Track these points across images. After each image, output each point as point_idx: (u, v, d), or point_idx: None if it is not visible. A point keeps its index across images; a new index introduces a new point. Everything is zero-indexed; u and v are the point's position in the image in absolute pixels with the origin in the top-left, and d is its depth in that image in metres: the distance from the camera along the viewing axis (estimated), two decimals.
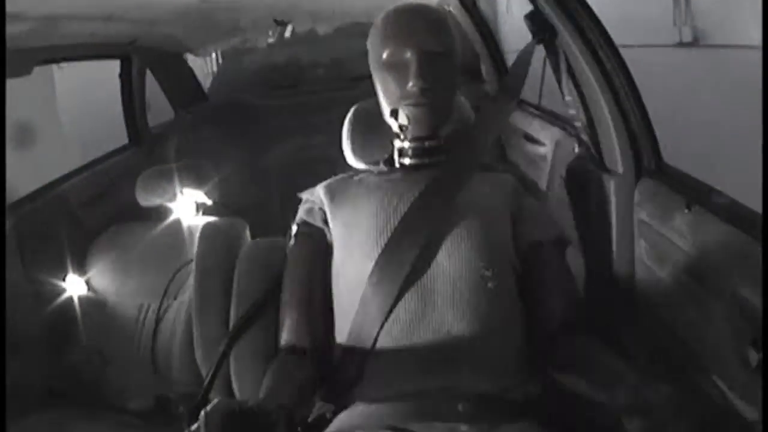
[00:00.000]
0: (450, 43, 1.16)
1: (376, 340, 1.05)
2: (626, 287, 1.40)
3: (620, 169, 1.39)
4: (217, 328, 1.43)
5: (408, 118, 1.11)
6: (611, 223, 1.43)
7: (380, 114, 1.21)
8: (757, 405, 0.89)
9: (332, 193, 1.20)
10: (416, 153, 1.17)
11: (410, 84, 1.10)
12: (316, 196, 1.22)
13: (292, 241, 1.21)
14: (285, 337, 1.15)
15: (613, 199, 1.42)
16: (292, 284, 1.18)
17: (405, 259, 1.05)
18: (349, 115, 1.35)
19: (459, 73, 1.20)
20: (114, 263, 1.95)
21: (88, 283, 1.95)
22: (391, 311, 1.04)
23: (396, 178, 1.18)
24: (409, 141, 1.16)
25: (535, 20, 1.40)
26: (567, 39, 1.33)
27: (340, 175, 1.27)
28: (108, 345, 1.85)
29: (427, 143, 1.16)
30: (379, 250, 1.07)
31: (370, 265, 1.07)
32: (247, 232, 1.45)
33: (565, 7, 1.28)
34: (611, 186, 1.42)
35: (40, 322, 1.81)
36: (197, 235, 1.62)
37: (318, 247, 1.18)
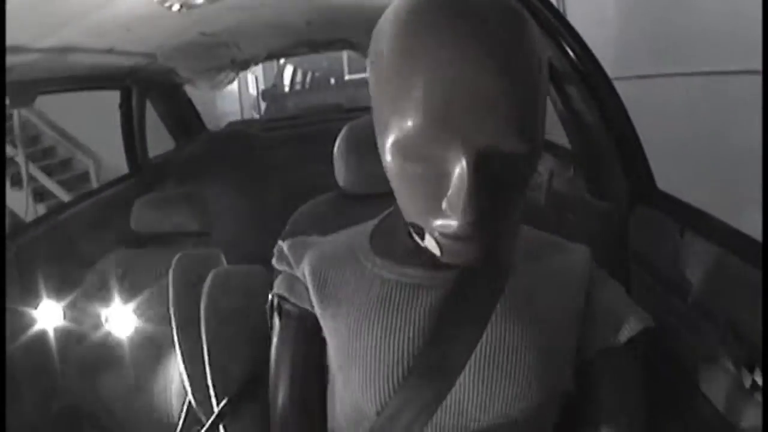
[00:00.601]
0: (540, 126, 0.64)
1: None
2: None
3: (615, 197, 1.41)
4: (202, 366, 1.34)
5: (441, 250, 0.68)
6: (607, 250, 1.44)
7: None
8: (752, 425, 0.89)
9: (322, 280, 0.83)
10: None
11: (454, 217, 0.62)
12: (301, 271, 0.86)
13: (276, 321, 0.88)
14: None
15: (608, 225, 1.43)
16: (292, 388, 0.85)
17: (421, 418, 0.74)
18: (342, 133, 1.17)
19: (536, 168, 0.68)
20: (110, 291, 1.95)
21: (82, 311, 1.94)
22: None
23: (415, 281, 0.78)
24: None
25: None
26: (561, 69, 1.36)
27: (330, 239, 0.89)
28: (104, 373, 1.84)
29: None
30: (389, 394, 0.74)
31: (374, 406, 0.75)
32: (224, 262, 1.41)
33: (557, 39, 1.30)
34: (606, 213, 1.43)
35: (34, 350, 1.80)
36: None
37: (313, 336, 0.84)
